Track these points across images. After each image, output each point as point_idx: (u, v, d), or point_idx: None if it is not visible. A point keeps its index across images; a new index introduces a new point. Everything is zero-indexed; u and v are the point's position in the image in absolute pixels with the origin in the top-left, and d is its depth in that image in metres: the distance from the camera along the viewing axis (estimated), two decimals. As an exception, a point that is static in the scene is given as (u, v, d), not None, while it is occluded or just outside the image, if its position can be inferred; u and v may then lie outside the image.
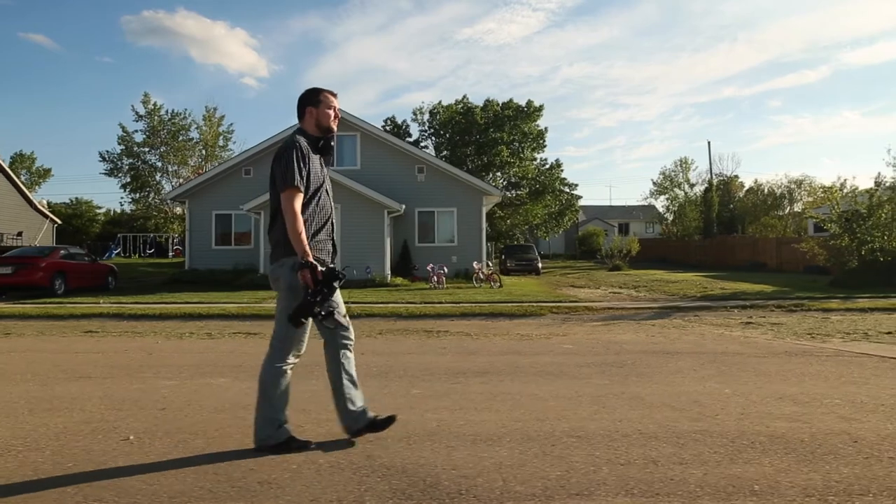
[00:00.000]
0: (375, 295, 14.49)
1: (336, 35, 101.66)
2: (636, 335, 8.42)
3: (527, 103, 36.62)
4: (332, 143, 3.43)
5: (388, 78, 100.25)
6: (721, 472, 2.96)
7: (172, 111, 39.75)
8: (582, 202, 67.60)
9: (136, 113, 38.39)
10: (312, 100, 3.33)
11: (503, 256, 31.49)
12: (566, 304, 12.52)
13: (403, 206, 18.62)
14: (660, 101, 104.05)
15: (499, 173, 36.72)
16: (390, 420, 3.41)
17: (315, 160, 3.25)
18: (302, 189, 3.11)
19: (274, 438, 3.18)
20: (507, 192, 39.05)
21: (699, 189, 45.62)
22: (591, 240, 50.62)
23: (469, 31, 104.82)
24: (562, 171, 39.00)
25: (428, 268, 17.34)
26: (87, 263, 17.09)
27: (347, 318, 3.38)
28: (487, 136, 35.35)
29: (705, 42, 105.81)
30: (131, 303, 12.81)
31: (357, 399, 3.36)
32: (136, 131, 38.63)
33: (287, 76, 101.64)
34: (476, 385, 4.98)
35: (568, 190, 38.34)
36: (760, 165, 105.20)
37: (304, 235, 3.05)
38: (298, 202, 3.09)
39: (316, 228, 3.24)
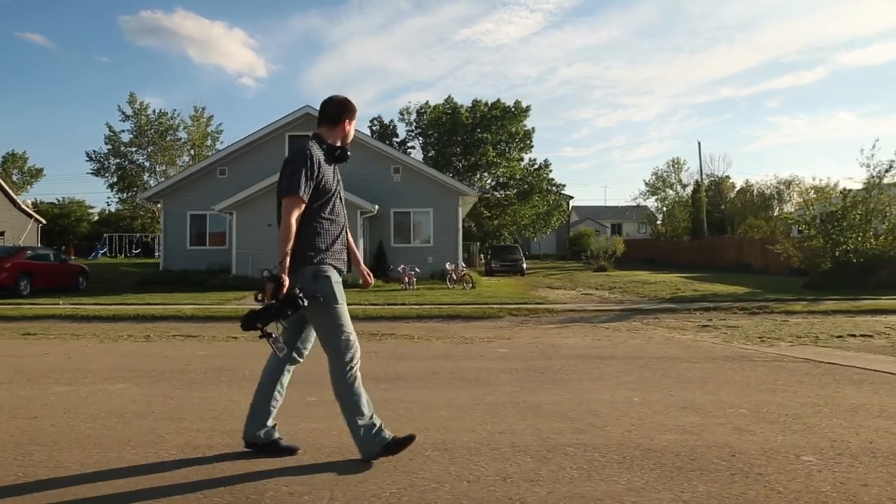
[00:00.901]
0: (350, 296, 14.28)
1: (335, 35, 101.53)
2: (583, 339, 8.26)
3: (514, 104, 36.49)
4: (348, 153, 3.33)
5: (388, 78, 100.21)
6: (568, 490, 2.79)
7: (159, 111, 39.68)
8: (576, 203, 67.48)
9: (123, 113, 38.29)
10: (351, 112, 3.28)
11: (488, 257, 31.40)
12: (530, 305, 12.35)
13: (377, 207, 18.45)
14: (658, 102, 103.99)
15: (485, 173, 36.59)
16: (292, 450, 3.26)
17: (328, 169, 3.14)
18: (305, 201, 3.01)
19: (378, 444, 3.08)
20: (496, 193, 38.98)
21: (691, 190, 45.47)
22: (581, 240, 50.37)
23: (468, 31, 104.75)
24: (550, 171, 38.86)
25: (399, 268, 17.16)
26: (55, 264, 16.93)
27: (312, 340, 3.31)
28: (474, 137, 35.20)
29: (703, 43, 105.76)
30: (91, 304, 12.65)
31: (273, 413, 3.25)
32: (123, 131, 38.55)
33: (286, 76, 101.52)
34: (377, 392, 4.78)
35: (555, 190, 38.14)
36: (757, 166, 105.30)
37: (289, 249, 2.94)
38: (297, 213, 2.98)
39: (332, 238, 3.14)
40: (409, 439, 3.16)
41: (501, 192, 38.59)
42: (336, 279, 3.12)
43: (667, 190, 50.71)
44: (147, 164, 39.52)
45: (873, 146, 16.24)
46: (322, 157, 3.12)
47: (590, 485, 2.86)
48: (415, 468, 3.07)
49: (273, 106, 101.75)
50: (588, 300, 14.21)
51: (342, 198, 3.28)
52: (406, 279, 16.66)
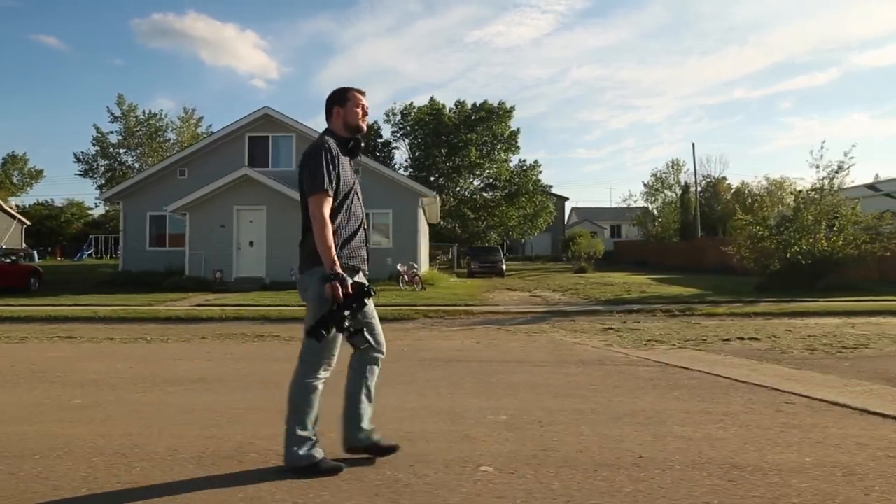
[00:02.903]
0: (279, 297, 14.26)
1: (346, 37, 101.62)
2: (463, 342, 8.12)
3: (499, 104, 36.32)
4: (362, 144, 3.26)
5: (398, 80, 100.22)
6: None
7: (149, 112, 40.00)
8: (582, 204, 66.94)
9: (112, 114, 38.64)
10: (339, 99, 3.18)
11: (468, 258, 31.30)
12: (459, 307, 12.21)
13: (330, 208, 18.36)
14: (669, 104, 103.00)
15: (470, 174, 36.45)
16: (393, 448, 3.22)
17: (345, 162, 3.07)
18: (331, 193, 2.93)
19: (305, 460, 2.95)
20: (485, 194, 38.82)
21: (692, 191, 44.93)
22: (573, 242, 50.01)
23: (479, 33, 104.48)
24: (540, 172, 38.66)
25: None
26: (4, 264, 17.05)
27: (380, 329, 3.23)
28: (458, 138, 35.08)
29: (714, 44, 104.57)
30: (18, 305, 12.68)
31: (368, 417, 3.20)
32: (112, 132, 38.90)
33: (297, 78, 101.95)
34: (154, 395, 4.74)
35: (542, 191, 37.91)
36: (770, 168, 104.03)
37: (332, 244, 2.84)
38: (327, 207, 2.90)
39: (349, 234, 3.07)
40: (337, 468, 3.02)
41: (490, 193, 38.47)
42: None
43: (665, 191, 50.30)
44: (136, 165, 39.86)
45: (822, 146, 15.83)
46: (338, 150, 3.05)
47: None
48: (46, 472, 2.96)
49: (284, 108, 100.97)
50: (529, 302, 14.03)
51: (359, 194, 3.20)
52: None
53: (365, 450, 3.16)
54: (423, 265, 21.00)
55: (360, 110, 3.17)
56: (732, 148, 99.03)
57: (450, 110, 36.28)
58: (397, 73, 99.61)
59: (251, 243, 17.99)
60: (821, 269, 15.26)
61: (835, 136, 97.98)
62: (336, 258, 2.83)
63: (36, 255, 35.48)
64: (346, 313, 2.78)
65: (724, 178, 51.17)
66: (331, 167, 2.94)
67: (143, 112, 40.17)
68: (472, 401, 4.62)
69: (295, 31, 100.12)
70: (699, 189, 44.55)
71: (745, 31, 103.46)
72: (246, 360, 6.62)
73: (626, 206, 48.47)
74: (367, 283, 2.88)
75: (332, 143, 3.03)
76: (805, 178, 16.57)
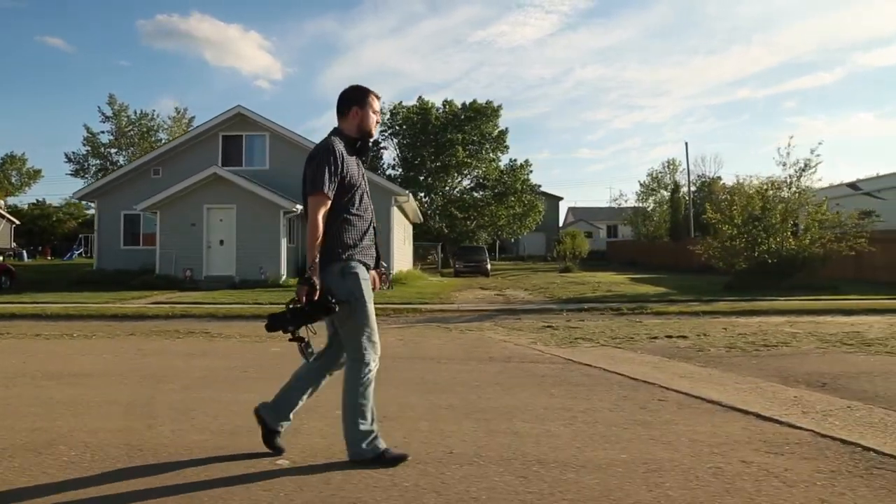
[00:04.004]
0: (241, 296, 14.24)
1: (350, 37, 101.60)
2: (390, 339, 8.04)
3: (486, 103, 36.26)
4: (370, 145, 3.28)
5: (402, 80, 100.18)
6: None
7: (141, 112, 40.12)
8: (577, 204, 66.70)
9: (103, 114, 38.78)
10: (360, 100, 3.15)
11: (454, 258, 31.32)
12: (411, 306, 12.16)
13: (300, 207, 18.32)
14: (674, 103, 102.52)
15: (457, 174, 36.41)
16: (280, 450, 3.23)
17: (352, 162, 3.07)
18: (331, 197, 2.94)
19: (370, 452, 3.01)
20: (475, 193, 38.76)
21: (684, 191, 44.75)
22: (565, 242, 49.85)
23: (482, 33, 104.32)
24: (530, 171, 38.58)
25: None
26: (-27, 263, 17.10)
27: (377, 336, 3.15)
28: (445, 137, 35.04)
29: (719, 44, 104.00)
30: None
31: (297, 409, 3.26)
32: (103, 132, 39.03)
33: (301, 79, 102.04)
34: (17, 390, 4.73)
35: (531, 191, 37.81)
36: (774, 167, 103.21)
37: (318, 249, 2.87)
38: (323, 210, 2.92)
39: (361, 233, 3.08)
40: (402, 457, 3.08)
41: (480, 192, 38.42)
42: (364, 276, 3.05)
43: (661, 191, 50.07)
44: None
45: (789, 144, 15.70)
46: (345, 151, 3.03)
47: None
48: None
49: (288, 109, 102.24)
50: (489, 301, 13.96)
51: (368, 192, 3.21)
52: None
53: (268, 433, 3.19)
54: (399, 265, 20.93)
55: (376, 116, 3.19)
56: (737, 147, 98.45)
57: (438, 110, 36.23)
58: (401, 73, 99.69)
59: (221, 242, 17.99)
60: (789, 268, 15.14)
61: (840, 136, 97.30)
62: (317, 263, 2.85)
63: (25, 255, 35.71)
64: (301, 315, 2.81)
65: (720, 178, 50.96)
66: (334, 169, 2.93)
67: (135, 112, 40.32)
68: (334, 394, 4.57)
69: (299, 31, 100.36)
70: (694, 189, 44.38)
71: (749, 30, 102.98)
72: (153, 356, 6.60)
73: (616, 205, 48.25)
74: (333, 301, 2.85)
75: (339, 145, 3.02)
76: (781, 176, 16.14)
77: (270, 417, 3.18)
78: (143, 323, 9.99)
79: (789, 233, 15.06)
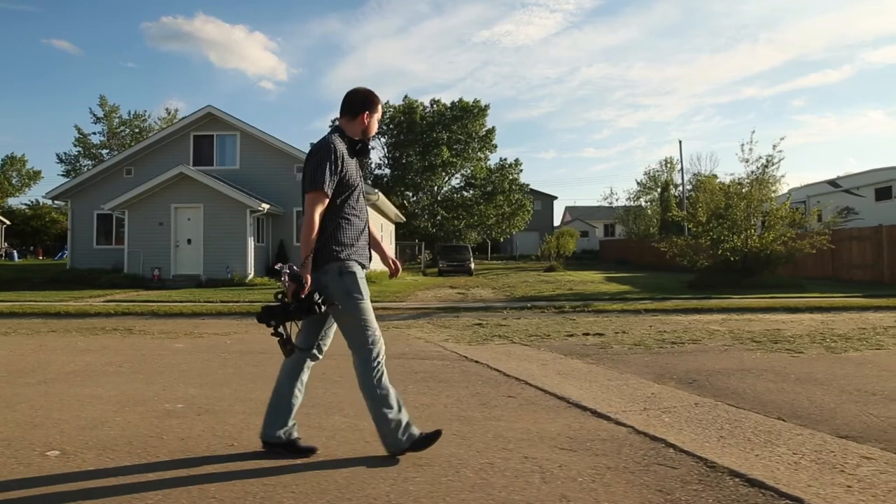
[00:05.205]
0: (202, 294, 14.25)
1: (354, 38, 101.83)
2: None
3: (473, 102, 36.18)
4: (369, 147, 3.29)
5: (407, 80, 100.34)
6: None
7: (134, 112, 40.29)
8: (577, 203, 66.35)
9: (94, 115, 38.99)
10: (371, 105, 3.19)
11: (437, 257, 31.28)
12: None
13: (266, 206, 18.34)
14: (680, 102, 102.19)
15: (444, 173, 36.34)
16: (311, 450, 3.16)
17: (351, 163, 3.08)
18: (329, 195, 2.95)
19: (407, 441, 3.04)
20: (465, 193, 38.68)
21: (680, 190, 44.43)
22: (560, 241, 49.66)
23: (487, 33, 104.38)
24: (520, 170, 38.49)
25: (276, 267, 17.01)
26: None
27: (330, 337, 3.22)
28: (432, 136, 34.98)
29: (725, 42, 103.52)
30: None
31: (294, 411, 3.16)
32: (94, 133, 39.25)
33: (306, 80, 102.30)
34: None
35: (519, 190, 37.69)
36: (783, 166, 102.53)
37: (312, 245, 2.89)
38: (320, 208, 2.92)
39: (357, 232, 3.09)
40: (436, 434, 3.10)
41: (469, 191, 38.34)
42: (361, 275, 3.06)
43: (655, 190, 49.78)
44: (119, 165, 40.16)
45: (751, 140, 15.54)
46: (345, 150, 3.04)
47: None
48: None
49: (293, 109, 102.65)
50: (445, 300, 13.86)
51: (364, 192, 3.21)
52: (283, 278, 16.54)
53: (284, 445, 3.10)
54: (374, 264, 20.82)
55: (377, 123, 3.25)
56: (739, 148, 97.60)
57: (424, 109, 36.18)
58: (405, 73, 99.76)
59: (189, 241, 18.01)
60: (755, 266, 14.99)
61: (850, 134, 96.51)
62: (310, 261, 2.87)
63: (16, 255, 35.94)
64: (287, 311, 2.81)
65: (715, 176, 50.58)
66: (334, 168, 2.93)
67: (129, 112, 40.50)
68: (147, 388, 4.55)
69: (303, 32, 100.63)
70: (690, 187, 44.07)
71: (756, 28, 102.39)
72: (48, 352, 6.58)
73: (607, 204, 48.05)
74: (318, 301, 2.85)
75: (339, 144, 3.01)
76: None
77: (273, 435, 3.10)
78: (78, 321, 10.01)
79: (753, 231, 14.90)
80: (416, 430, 3.06)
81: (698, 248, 15.44)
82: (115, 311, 10.92)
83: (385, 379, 3.03)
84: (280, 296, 2.84)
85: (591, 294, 13.95)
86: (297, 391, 3.12)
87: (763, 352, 6.37)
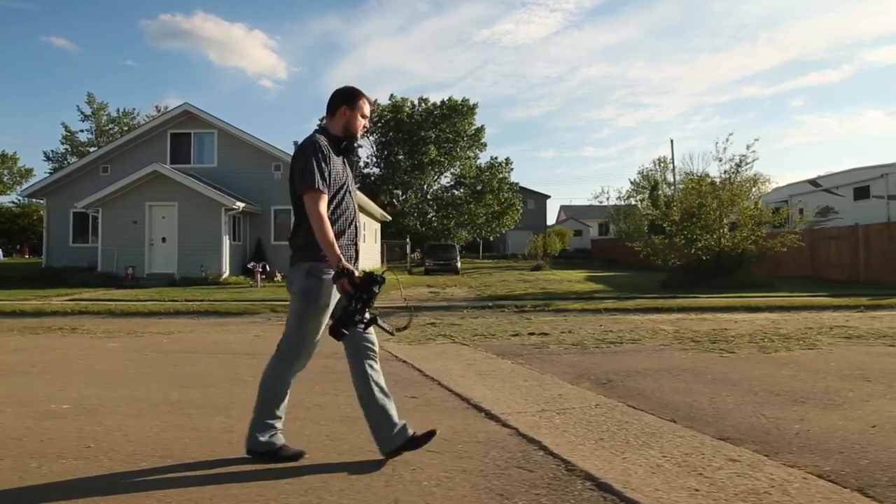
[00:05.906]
0: (170, 293, 14.16)
1: (354, 37, 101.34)
2: (238, 336, 8.01)
3: (462, 101, 36.09)
4: (355, 146, 3.24)
5: (407, 79, 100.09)
6: None
7: (123, 110, 40.20)
8: (568, 202, 66.33)
9: (82, 112, 38.89)
10: (349, 100, 3.11)
11: (424, 256, 31.23)
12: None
13: (242, 205, 18.26)
14: (680, 101, 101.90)
15: (432, 171, 36.26)
16: (430, 435, 3.10)
17: (337, 161, 3.03)
18: (325, 191, 2.89)
19: (265, 446, 2.99)
20: (455, 191, 38.62)
21: (677, 188, 44.38)
22: (547, 240, 49.58)
23: (487, 32, 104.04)
24: (510, 170, 38.42)
25: (249, 265, 17.01)
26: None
27: (314, 344, 3.12)
28: (419, 135, 34.91)
29: (725, 42, 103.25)
30: None
31: (393, 412, 3.06)
32: (82, 131, 39.16)
33: (305, 78, 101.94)
34: None
35: (509, 189, 37.64)
36: (782, 165, 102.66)
37: (333, 241, 2.81)
38: (323, 205, 2.86)
39: (338, 232, 2.99)
40: (298, 454, 3.05)
41: (458, 190, 38.29)
42: (328, 283, 2.91)
43: (648, 189, 49.69)
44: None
45: (727, 139, 15.47)
46: (329, 148, 2.99)
47: None
48: None
49: (293, 108, 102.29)
50: (412, 299, 13.78)
51: (352, 192, 3.14)
52: (256, 277, 16.52)
53: (404, 447, 3.04)
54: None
55: (364, 121, 3.15)
56: (743, 146, 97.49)
57: (412, 107, 36.09)
58: (405, 72, 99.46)
59: (164, 239, 17.94)
60: (728, 265, 14.91)
61: (851, 134, 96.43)
62: (340, 254, 2.78)
63: (1, 253, 35.90)
64: (359, 305, 2.71)
65: (707, 175, 50.52)
66: (322, 164, 2.88)
67: (118, 110, 40.41)
68: (44, 389, 4.48)
69: (303, 31, 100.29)
70: (682, 186, 43.98)
71: (756, 28, 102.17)
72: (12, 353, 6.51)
73: (598, 203, 47.99)
74: (374, 272, 2.78)
75: (323, 141, 2.96)
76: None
77: (391, 443, 3.04)
78: (30, 320, 9.95)
79: (726, 230, 14.82)
80: (279, 440, 3.02)
81: (671, 248, 15.36)
82: (72, 311, 10.84)
83: (286, 388, 3.01)
84: (354, 301, 2.71)
85: (560, 293, 13.88)
86: (379, 395, 3.04)
87: (696, 352, 6.30)
